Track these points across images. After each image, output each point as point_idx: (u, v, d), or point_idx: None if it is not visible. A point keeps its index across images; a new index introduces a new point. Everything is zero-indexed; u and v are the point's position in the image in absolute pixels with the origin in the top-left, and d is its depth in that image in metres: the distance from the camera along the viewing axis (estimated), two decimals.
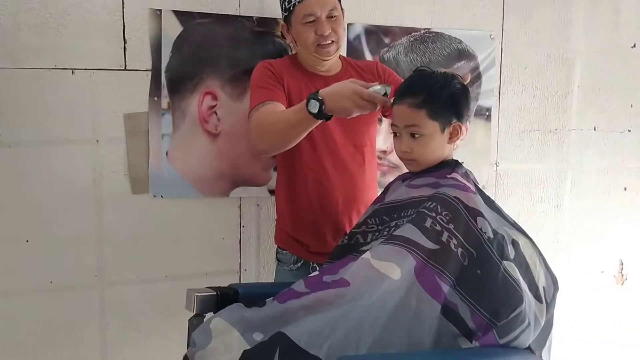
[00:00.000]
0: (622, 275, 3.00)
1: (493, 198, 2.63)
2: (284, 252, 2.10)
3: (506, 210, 2.62)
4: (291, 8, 1.93)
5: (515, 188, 2.74)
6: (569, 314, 2.87)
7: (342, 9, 1.99)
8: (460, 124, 1.61)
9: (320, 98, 1.65)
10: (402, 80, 2.00)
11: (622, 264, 3.00)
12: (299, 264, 2.05)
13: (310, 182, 2.00)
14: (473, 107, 2.58)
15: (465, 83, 1.67)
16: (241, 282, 2.32)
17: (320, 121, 1.70)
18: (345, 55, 2.32)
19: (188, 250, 2.26)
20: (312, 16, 1.91)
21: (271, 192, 2.31)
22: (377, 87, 1.63)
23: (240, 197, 2.30)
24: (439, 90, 1.57)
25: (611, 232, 2.95)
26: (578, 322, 2.91)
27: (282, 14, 2.00)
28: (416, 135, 1.59)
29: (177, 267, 2.24)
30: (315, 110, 1.66)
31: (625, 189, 2.94)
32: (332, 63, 2.01)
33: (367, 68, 2.10)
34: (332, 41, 1.94)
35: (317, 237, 2.01)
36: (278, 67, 1.98)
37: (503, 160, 2.69)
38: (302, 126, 1.74)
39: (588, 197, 2.88)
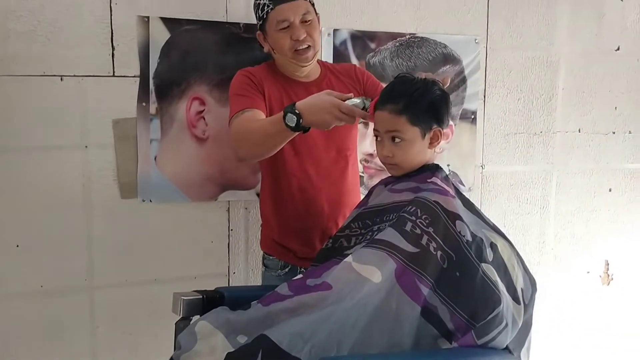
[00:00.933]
0: (608, 275, 3.04)
1: (479, 200, 2.71)
2: (271, 257, 2.11)
3: (492, 211, 2.71)
4: (264, 16, 1.95)
5: (501, 190, 2.78)
6: (555, 314, 2.91)
7: (316, 13, 2.00)
8: (440, 129, 1.65)
9: (297, 112, 1.65)
10: (380, 83, 2.05)
11: (608, 264, 3.04)
12: (287, 269, 2.07)
13: (295, 188, 2.02)
14: (458, 111, 2.61)
15: (445, 86, 1.70)
16: (230, 285, 2.35)
17: (298, 133, 1.71)
18: (332, 60, 2.36)
19: (177, 254, 2.28)
20: (285, 22, 1.92)
21: (259, 195, 2.34)
22: (356, 101, 1.66)
23: (229, 201, 2.33)
24: (420, 96, 1.61)
25: (597, 232, 2.99)
26: (564, 323, 2.95)
27: (257, 23, 2.01)
28: (397, 140, 1.62)
29: (166, 271, 2.27)
30: (292, 124, 1.66)
31: (610, 190, 2.99)
32: (310, 68, 2.03)
33: (345, 72, 2.12)
34: (309, 45, 1.95)
35: (304, 243, 2.03)
36: (257, 75, 1.99)
37: (489, 163, 2.72)
38: (280, 137, 1.75)
39: (573, 199, 2.92)
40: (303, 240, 2.04)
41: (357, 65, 2.29)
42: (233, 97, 1.96)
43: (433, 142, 1.65)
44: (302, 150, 2.00)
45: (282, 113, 1.69)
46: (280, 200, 2.05)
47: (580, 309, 2.99)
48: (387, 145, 1.64)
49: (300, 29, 1.93)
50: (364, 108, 1.66)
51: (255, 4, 2.00)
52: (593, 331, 3.01)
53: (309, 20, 1.95)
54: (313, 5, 2.00)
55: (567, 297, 2.95)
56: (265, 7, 1.94)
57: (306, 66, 2.00)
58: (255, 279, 2.38)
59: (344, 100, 1.66)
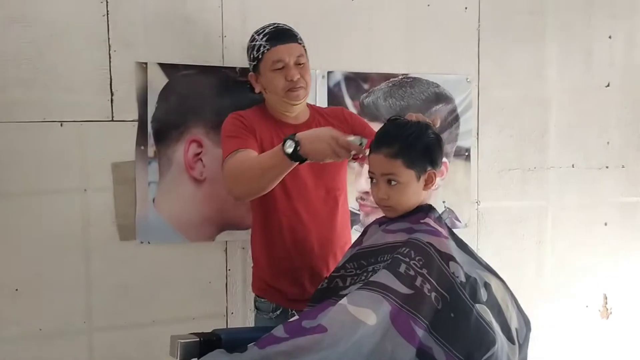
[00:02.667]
0: (607, 309, 3.05)
1: (475, 236, 2.73)
2: (262, 300, 2.13)
3: (488, 247, 2.73)
4: (260, 56, 2.01)
5: (496, 226, 2.80)
6: (555, 349, 2.91)
7: (307, 57, 2.05)
8: (434, 171, 1.68)
9: (296, 140, 1.68)
10: (368, 125, 2.12)
11: (606, 297, 3.04)
12: (278, 312, 2.08)
13: (285, 228, 2.04)
14: (452, 148, 2.65)
15: (435, 127, 1.74)
16: (228, 325, 2.35)
17: (295, 164, 1.72)
18: (326, 101, 2.41)
19: (175, 295, 2.29)
20: (280, 62, 1.98)
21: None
22: (352, 138, 1.69)
23: (226, 241, 2.35)
24: (414, 140, 1.64)
25: (594, 266, 3.00)
26: (564, 357, 2.94)
27: (250, 64, 2.07)
28: (393, 183, 1.65)
29: (164, 312, 2.28)
30: (290, 150, 1.68)
31: (605, 224, 3.01)
32: (300, 109, 2.08)
33: (333, 114, 2.17)
34: (301, 86, 2.01)
35: (295, 284, 2.05)
36: (248, 118, 2.03)
37: (484, 199, 2.75)
38: (277, 169, 1.76)
39: (569, 233, 2.94)
40: (292, 280, 2.05)
41: (345, 108, 2.33)
42: (225, 140, 1.99)
43: (428, 184, 1.68)
44: (292, 189, 2.02)
45: (280, 144, 1.72)
46: (270, 240, 2.07)
47: (580, 343, 2.99)
48: (383, 188, 1.67)
49: (294, 70, 1.99)
50: (360, 144, 1.69)
51: (250, 45, 2.06)
52: None
53: (302, 63, 2.02)
54: (305, 50, 2.06)
55: (567, 331, 2.95)
56: (262, 48, 2.00)
57: (297, 104, 2.04)
58: (253, 319, 2.38)
59: None
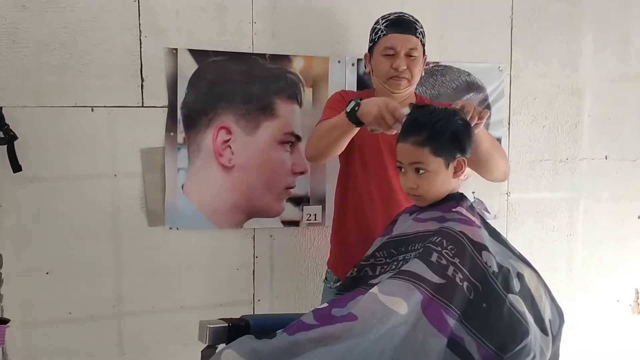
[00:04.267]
0: (638, 304, 2.98)
1: (505, 228, 2.69)
2: (329, 270, 2.23)
3: (518, 239, 2.69)
4: (376, 39, 2.08)
5: (527, 217, 2.75)
6: (584, 343, 2.86)
7: (424, 52, 2.11)
8: (464, 158, 1.65)
9: (359, 101, 1.80)
10: None
11: (638, 292, 2.98)
12: (338, 284, 2.12)
13: (354, 207, 2.12)
14: None
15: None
16: (255, 312, 2.36)
17: (354, 127, 1.83)
18: (355, 89, 2.38)
19: (203, 281, 2.30)
20: (392, 49, 2.04)
21: (284, 223, 2.36)
22: (404, 109, 1.70)
23: (254, 228, 2.35)
24: (442, 127, 1.61)
25: (626, 260, 2.94)
26: (594, 352, 2.89)
27: (368, 45, 2.14)
28: (421, 172, 1.63)
29: (192, 298, 2.29)
30: (349, 108, 1.80)
31: (639, 217, 2.94)
32: (402, 98, 2.08)
33: None
34: (405, 77, 2.04)
35: (351, 263, 2.04)
36: (352, 96, 2.06)
37: (514, 190, 2.71)
38: (338, 129, 1.88)
39: (601, 226, 2.88)
40: (351, 258, 2.03)
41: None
42: (324, 110, 2.12)
43: (457, 172, 1.65)
44: (371, 169, 2.08)
45: None
46: (342, 216, 2.17)
47: (610, 338, 2.93)
48: (411, 177, 1.65)
49: (402, 60, 2.04)
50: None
51: (372, 27, 2.13)
52: None
53: (414, 57, 2.06)
54: (424, 45, 2.10)
55: (597, 326, 2.90)
56: (379, 32, 2.08)
57: (396, 93, 2.07)
58: (280, 307, 2.39)
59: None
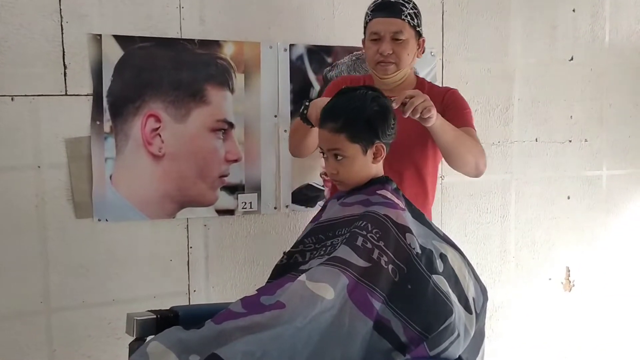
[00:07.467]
0: (569, 281, 3.09)
1: (440, 211, 2.72)
2: None
3: (453, 222, 2.73)
4: (365, 25, 2.08)
5: (461, 200, 2.80)
6: (518, 321, 2.94)
7: (419, 37, 2.06)
8: (382, 144, 1.66)
9: (307, 104, 1.87)
10: (465, 111, 2.12)
11: (569, 270, 3.08)
12: None
13: None
14: None
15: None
16: (190, 303, 2.32)
17: (308, 127, 1.89)
18: (288, 75, 2.37)
19: (135, 273, 2.25)
20: (376, 34, 2.02)
21: (218, 212, 2.33)
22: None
23: (187, 218, 2.31)
24: (357, 114, 1.62)
25: (557, 240, 3.03)
26: (527, 330, 2.98)
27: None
28: (339, 157, 1.64)
29: (124, 291, 2.24)
30: (301, 109, 1.89)
31: (568, 197, 3.03)
32: (393, 82, 2.05)
33: (436, 93, 2.10)
34: (392, 62, 2.01)
35: None
36: (352, 81, 2.11)
37: (448, 174, 2.74)
38: (301, 128, 1.95)
39: (533, 207, 2.96)
40: None
41: (457, 91, 2.22)
42: (322, 96, 2.09)
43: (377, 157, 1.67)
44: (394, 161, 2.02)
45: None
46: None
47: (543, 316, 3.02)
48: (331, 163, 1.66)
49: (387, 45, 2.00)
50: None
51: (365, 13, 2.11)
52: (556, 337, 3.05)
53: (401, 40, 2.00)
54: (416, 28, 2.04)
55: (530, 304, 2.98)
56: (366, 17, 2.08)
57: (386, 79, 2.04)
58: (217, 297, 2.36)
59: None
